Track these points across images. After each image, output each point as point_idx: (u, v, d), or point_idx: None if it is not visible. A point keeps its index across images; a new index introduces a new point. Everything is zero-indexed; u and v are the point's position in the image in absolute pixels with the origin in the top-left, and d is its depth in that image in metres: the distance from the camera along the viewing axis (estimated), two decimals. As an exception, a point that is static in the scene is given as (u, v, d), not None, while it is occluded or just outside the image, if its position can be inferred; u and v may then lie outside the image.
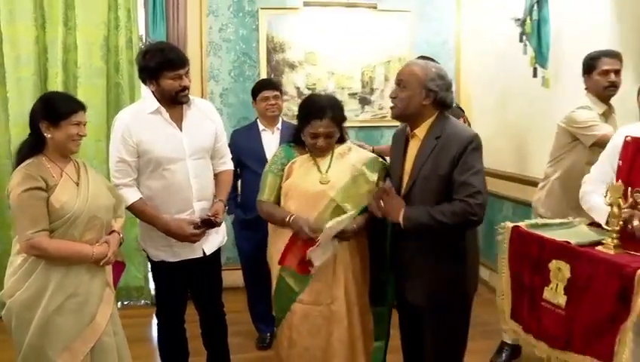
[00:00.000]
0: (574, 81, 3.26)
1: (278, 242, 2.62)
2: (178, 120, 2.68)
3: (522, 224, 2.21)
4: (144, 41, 4.20)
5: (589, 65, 3.09)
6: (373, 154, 2.72)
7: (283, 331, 2.62)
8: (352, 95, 4.79)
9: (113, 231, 2.44)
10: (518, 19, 4.05)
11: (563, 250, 1.94)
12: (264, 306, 3.73)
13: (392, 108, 2.46)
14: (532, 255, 2.08)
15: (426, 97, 2.35)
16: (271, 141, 3.56)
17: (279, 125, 3.61)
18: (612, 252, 1.86)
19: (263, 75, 4.56)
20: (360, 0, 4.68)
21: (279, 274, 2.62)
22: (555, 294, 1.95)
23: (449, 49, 4.92)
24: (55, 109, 2.27)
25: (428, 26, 4.86)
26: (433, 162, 2.30)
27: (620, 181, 1.96)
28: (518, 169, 4.28)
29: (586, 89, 3.12)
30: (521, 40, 3.74)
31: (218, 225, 2.72)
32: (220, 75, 4.57)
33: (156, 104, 2.62)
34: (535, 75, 3.70)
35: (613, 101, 3.13)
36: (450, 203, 2.24)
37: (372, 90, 4.80)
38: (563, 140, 3.13)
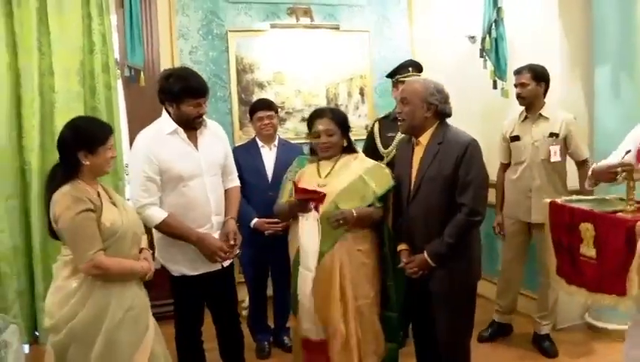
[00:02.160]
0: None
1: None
2: (193, 139, 2.82)
3: (559, 199, 2.69)
4: (125, 65, 4.26)
5: None
6: (378, 163, 2.97)
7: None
8: (319, 111, 5.02)
9: (143, 248, 2.55)
10: (473, 37, 4.47)
11: (587, 215, 2.43)
12: (262, 316, 3.89)
13: (400, 124, 2.77)
14: (566, 221, 2.53)
15: (428, 110, 2.69)
16: (269, 157, 3.75)
17: (276, 142, 3.80)
18: (629, 216, 2.29)
19: (234, 95, 4.74)
20: (323, 22, 4.95)
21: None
22: (588, 249, 2.41)
23: (406, 65, 5.27)
24: (92, 138, 2.35)
25: (385, 44, 5.19)
26: (438, 165, 2.64)
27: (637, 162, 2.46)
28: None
29: None
30: (481, 56, 4.12)
31: (238, 245, 2.91)
32: (193, 97, 4.67)
33: (174, 125, 2.76)
34: (495, 87, 4.09)
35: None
36: (455, 221, 2.62)
37: (337, 106, 5.04)
38: None
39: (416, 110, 2.70)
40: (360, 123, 5.00)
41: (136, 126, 4.41)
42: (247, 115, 4.04)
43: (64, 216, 2.24)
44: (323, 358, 2.76)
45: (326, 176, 2.83)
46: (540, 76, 3.60)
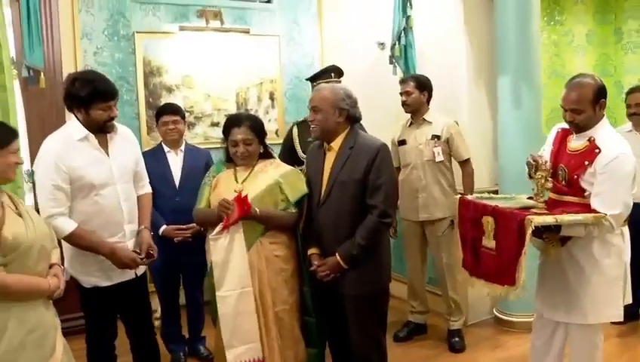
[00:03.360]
0: (435, 96, 3.91)
1: None
2: (104, 146, 2.72)
3: (470, 196, 2.93)
4: (23, 65, 3.99)
5: None
6: (294, 168, 2.99)
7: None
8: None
9: (54, 264, 2.39)
10: (382, 44, 4.61)
11: (489, 210, 2.64)
12: (176, 325, 3.78)
13: (312, 130, 2.81)
14: (471, 216, 2.74)
15: (340, 115, 2.75)
16: (176, 162, 3.66)
17: (182, 147, 3.72)
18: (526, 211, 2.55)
19: (142, 99, 4.59)
20: (233, 25, 4.89)
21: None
22: (489, 240, 2.63)
23: (314, 69, 5.26)
24: None
25: (295, 49, 5.22)
26: (349, 169, 2.71)
27: (547, 162, 2.66)
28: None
29: None
30: (391, 62, 4.26)
31: (154, 257, 2.82)
32: (96, 100, 4.47)
33: (84, 131, 2.64)
34: (403, 92, 4.24)
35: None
36: (366, 222, 2.68)
37: (247, 111, 5.01)
38: None
39: (328, 116, 2.75)
40: (270, 127, 4.96)
41: (35, 130, 4.18)
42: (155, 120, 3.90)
43: None
44: None
45: (243, 182, 2.82)
46: (422, 85, 3.84)
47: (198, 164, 3.70)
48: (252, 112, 5.01)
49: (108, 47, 4.49)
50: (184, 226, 3.48)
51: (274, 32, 5.08)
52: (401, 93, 3.87)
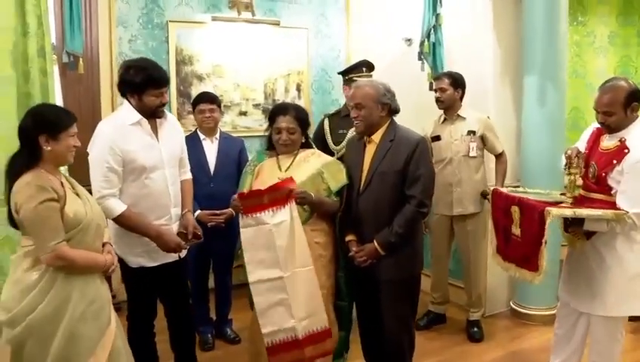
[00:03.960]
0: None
1: None
2: (154, 131, 2.83)
3: (503, 189, 3.19)
4: (64, 51, 4.10)
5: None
6: (335, 159, 3.09)
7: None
8: (256, 106, 5.08)
9: (106, 242, 2.51)
10: (409, 40, 4.71)
11: (515, 200, 2.86)
12: (204, 308, 3.91)
13: (356, 126, 2.92)
14: (502, 205, 2.96)
15: (382, 110, 2.86)
16: (211, 150, 3.78)
17: (217, 135, 3.84)
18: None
19: (173, 87, 4.68)
20: (264, 17, 5.00)
21: None
22: (516, 228, 2.82)
23: (340, 62, 5.40)
24: (54, 122, 2.30)
25: (323, 42, 5.33)
26: (390, 160, 2.83)
27: (581, 158, 2.83)
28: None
29: None
30: (419, 59, 4.35)
31: (201, 238, 2.94)
32: (131, 87, 4.57)
33: (137, 116, 2.75)
34: (431, 88, 4.31)
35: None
36: (404, 211, 2.81)
37: (274, 102, 5.11)
38: None
39: (372, 112, 2.86)
40: (296, 118, 5.09)
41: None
42: (185, 107, 4.01)
43: (27, 205, 2.18)
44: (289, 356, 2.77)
45: (286, 170, 2.91)
46: (457, 82, 3.93)
47: (233, 152, 3.84)
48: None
49: (142, 35, 4.60)
50: (218, 212, 3.59)
51: (302, 24, 5.19)
52: (435, 90, 3.95)
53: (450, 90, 3.89)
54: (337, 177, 2.94)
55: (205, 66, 4.83)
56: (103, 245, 2.48)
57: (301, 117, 2.97)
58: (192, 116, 4.06)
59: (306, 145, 3.05)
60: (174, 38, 4.68)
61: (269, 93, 5.12)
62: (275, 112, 2.98)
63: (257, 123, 5.03)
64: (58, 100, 4.20)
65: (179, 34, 4.70)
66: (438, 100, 3.95)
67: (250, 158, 3.17)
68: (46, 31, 4.02)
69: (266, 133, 3.08)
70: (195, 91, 4.74)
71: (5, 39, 3.87)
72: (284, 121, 2.91)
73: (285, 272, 2.69)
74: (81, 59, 4.13)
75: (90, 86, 4.37)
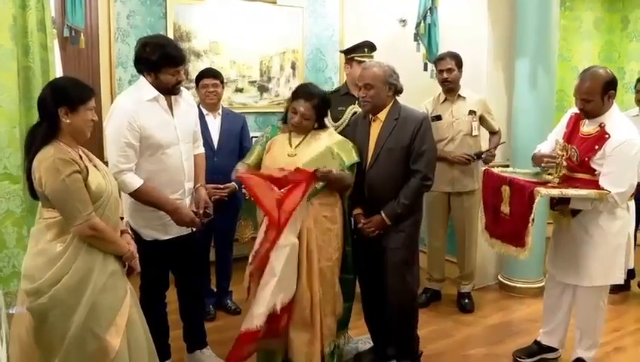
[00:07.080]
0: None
1: None
2: (169, 107, 2.88)
3: (495, 169, 3.32)
4: (65, 25, 4.11)
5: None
6: (345, 138, 3.19)
7: None
8: (252, 83, 5.14)
9: (123, 231, 2.55)
10: (403, 20, 4.81)
11: (506, 180, 3.03)
12: (206, 279, 4.01)
13: (364, 106, 3.08)
14: (492, 184, 3.13)
15: (389, 90, 3.00)
16: (214, 125, 3.86)
17: (220, 111, 3.91)
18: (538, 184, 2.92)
19: (170, 63, 4.71)
20: (261, -5, 5.04)
21: None
22: (505, 206, 3.00)
23: (334, 42, 5.50)
24: (74, 95, 2.30)
25: (317, 21, 5.40)
26: (395, 137, 3.00)
27: (564, 141, 3.02)
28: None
29: None
30: (415, 39, 4.46)
31: (212, 215, 3.03)
32: (129, 62, 4.51)
33: (155, 92, 2.78)
34: (425, 68, 4.46)
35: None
36: (410, 184, 2.99)
37: (269, 79, 5.20)
38: None
39: (380, 92, 3.02)
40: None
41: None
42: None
43: (53, 179, 2.19)
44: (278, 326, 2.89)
45: (296, 146, 3.01)
46: (460, 62, 4.03)
47: (235, 127, 3.93)
48: (273, 80, 5.23)
49: (140, 10, 4.61)
50: (222, 186, 3.69)
51: (298, 3, 5.24)
52: (441, 71, 4.00)
53: (457, 71, 3.98)
54: (350, 154, 3.04)
55: (202, 43, 4.86)
56: (122, 233, 2.51)
57: (321, 107, 3.03)
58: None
59: (320, 127, 3.12)
60: (172, 14, 4.70)
61: (265, 70, 5.19)
62: (299, 94, 3.03)
63: (253, 99, 5.12)
64: (58, 74, 4.21)
65: (177, 10, 4.72)
66: (445, 81, 4.00)
67: (265, 130, 3.24)
68: (45, 4, 4.01)
69: (284, 106, 3.17)
70: (192, 67, 4.79)
71: (5, 12, 3.87)
72: (302, 106, 2.97)
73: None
74: (82, 33, 4.16)
75: (90, 60, 4.38)
